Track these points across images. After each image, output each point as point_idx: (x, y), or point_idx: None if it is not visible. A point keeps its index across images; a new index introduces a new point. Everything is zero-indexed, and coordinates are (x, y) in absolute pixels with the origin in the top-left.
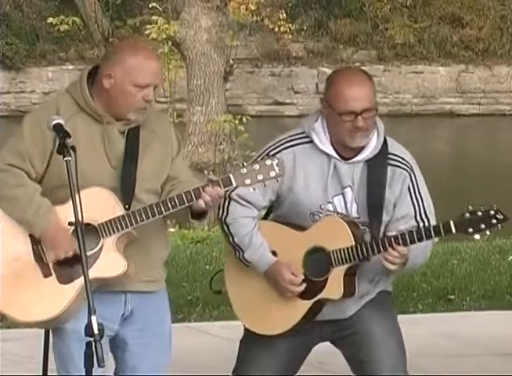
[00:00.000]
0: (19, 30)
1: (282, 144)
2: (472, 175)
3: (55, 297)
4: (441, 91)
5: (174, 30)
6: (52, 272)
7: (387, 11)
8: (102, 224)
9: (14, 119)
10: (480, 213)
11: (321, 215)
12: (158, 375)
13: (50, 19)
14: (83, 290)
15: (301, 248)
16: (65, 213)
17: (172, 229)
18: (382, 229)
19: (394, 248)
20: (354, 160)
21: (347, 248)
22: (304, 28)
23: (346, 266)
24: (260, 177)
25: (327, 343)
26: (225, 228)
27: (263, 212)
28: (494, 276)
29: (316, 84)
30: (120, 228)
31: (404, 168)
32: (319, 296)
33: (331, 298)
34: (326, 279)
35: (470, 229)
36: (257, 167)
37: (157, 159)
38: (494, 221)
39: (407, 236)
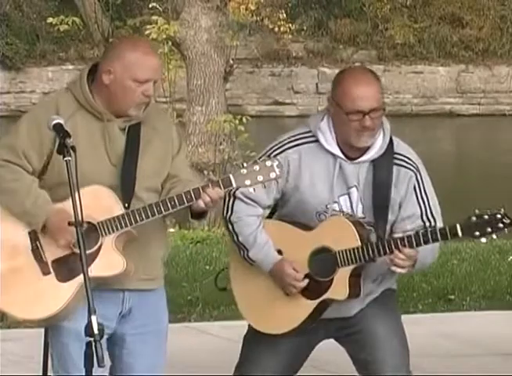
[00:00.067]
0: (19, 30)
1: (287, 143)
2: (472, 175)
3: (54, 295)
4: (441, 91)
5: (174, 31)
6: (51, 270)
7: (387, 11)
8: (101, 222)
9: (14, 119)
10: (486, 217)
11: (327, 214)
12: (156, 375)
13: (50, 19)
14: (82, 288)
15: (307, 248)
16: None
17: (172, 229)
18: (388, 228)
19: (400, 250)
20: (359, 160)
21: (354, 249)
22: (304, 28)
23: (352, 267)
24: (260, 178)
25: (327, 343)
26: (230, 226)
27: (268, 211)
28: (494, 276)
29: (316, 84)
30: (119, 227)
31: (409, 168)
32: (325, 296)
33: (336, 299)
34: (332, 279)
35: (477, 233)
36: (257, 168)
37: (158, 156)
38: (501, 225)
39: (413, 239)
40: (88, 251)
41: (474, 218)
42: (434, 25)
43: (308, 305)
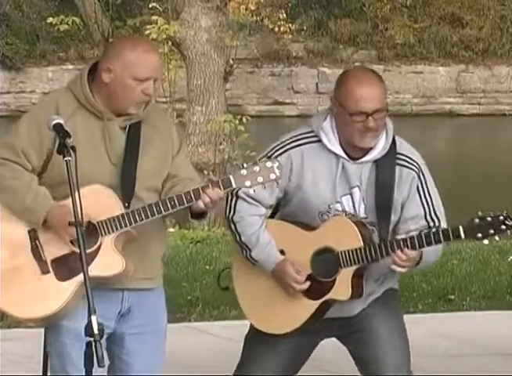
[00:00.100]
0: (19, 30)
1: (290, 143)
2: (472, 175)
3: (53, 294)
4: (441, 91)
5: (174, 31)
6: (50, 269)
7: (387, 11)
8: (101, 222)
9: (14, 119)
10: (489, 218)
11: (329, 214)
12: (156, 375)
13: (50, 19)
14: (81, 287)
15: (309, 248)
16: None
17: (172, 229)
18: (390, 229)
19: (402, 251)
20: (362, 160)
21: (356, 250)
22: (304, 28)
23: (354, 268)
24: (260, 179)
25: (328, 342)
26: (232, 226)
27: (270, 211)
28: (494, 276)
29: (316, 84)
30: (119, 227)
31: (412, 169)
32: (327, 297)
33: (339, 299)
34: (334, 280)
35: (479, 235)
36: (257, 169)
37: (158, 156)
38: (503, 227)
39: (416, 240)
40: (87, 251)
41: (476, 220)
42: (434, 25)
43: (311, 306)
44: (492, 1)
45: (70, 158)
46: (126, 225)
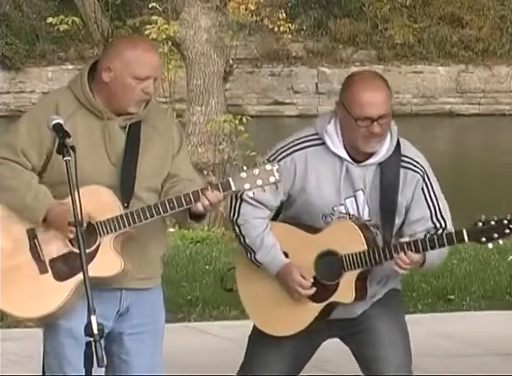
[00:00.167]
0: (19, 30)
1: (294, 145)
2: (472, 175)
3: (51, 294)
4: (440, 91)
5: (174, 31)
6: (49, 268)
7: (387, 11)
8: (100, 222)
9: (14, 119)
10: (493, 222)
11: (333, 216)
12: (156, 375)
13: (50, 19)
14: (78, 288)
15: (313, 251)
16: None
17: (172, 229)
18: (394, 231)
19: (406, 254)
20: (366, 163)
21: (360, 253)
22: (304, 28)
23: (358, 271)
24: (259, 182)
25: (328, 342)
26: (237, 229)
27: (272, 212)
28: (494, 276)
29: (316, 84)
30: (118, 227)
31: (416, 171)
32: (331, 299)
33: (343, 302)
34: (338, 283)
35: (483, 239)
36: (256, 171)
37: (158, 156)
38: (507, 230)
39: (419, 244)
40: (86, 251)
41: (480, 224)
42: (434, 25)
43: (314, 308)
44: (491, 1)
45: (69, 158)
46: (125, 226)
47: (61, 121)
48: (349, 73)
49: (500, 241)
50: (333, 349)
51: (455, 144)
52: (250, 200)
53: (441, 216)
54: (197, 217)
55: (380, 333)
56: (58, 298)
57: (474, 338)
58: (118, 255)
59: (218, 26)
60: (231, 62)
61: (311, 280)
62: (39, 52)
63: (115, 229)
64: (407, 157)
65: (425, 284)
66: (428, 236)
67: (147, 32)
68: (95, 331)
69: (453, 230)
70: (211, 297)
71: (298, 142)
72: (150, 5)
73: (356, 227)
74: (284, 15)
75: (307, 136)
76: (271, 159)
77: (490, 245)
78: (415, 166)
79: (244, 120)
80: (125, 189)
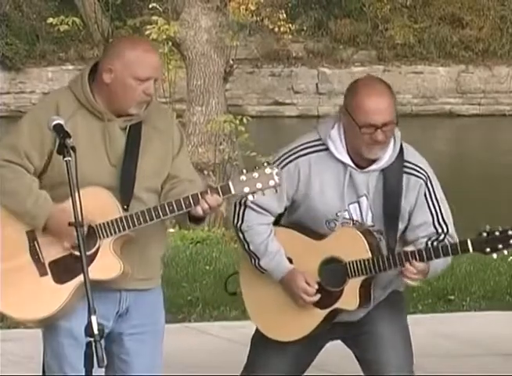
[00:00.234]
0: (19, 30)
1: (297, 151)
2: (472, 175)
3: (50, 296)
4: (441, 91)
5: (174, 31)
6: (48, 271)
7: (387, 11)
8: (99, 225)
9: (14, 119)
10: (498, 233)
11: (337, 222)
12: (156, 375)
13: (50, 20)
14: (78, 290)
15: (317, 257)
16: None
17: (172, 230)
18: (398, 236)
19: (411, 264)
20: (369, 168)
21: (364, 260)
22: (304, 28)
23: (362, 278)
24: (259, 185)
25: (329, 343)
26: (241, 235)
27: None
28: (494, 277)
29: (316, 84)
30: (117, 230)
31: (419, 177)
32: (335, 306)
33: (347, 309)
34: (342, 289)
35: (488, 249)
36: (256, 175)
37: (158, 157)
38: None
39: (424, 253)
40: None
41: (484, 234)
42: (434, 25)
43: (319, 314)
44: (492, 2)
45: (70, 158)
46: (124, 229)
47: (61, 122)
48: (349, 73)
49: (505, 252)
50: (332, 349)
51: (455, 144)
52: (254, 207)
53: (444, 221)
54: (196, 220)
55: (382, 336)
56: (57, 300)
57: (474, 338)
58: (118, 258)
59: (218, 26)
60: (231, 62)
61: (316, 287)
62: (39, 52)
63: (114, 232)
64: (410, 162)
65: (425, 284)
66: (432, 245)
67: (147, 32)
68: (96, 331)
69: (458, 240)
70: (211, 297)
71: (302, 147)
72: (150, 6)
73: (360, 234)
74: (284, 15)
75: (310, 142)
76: (275, 165)
77: (494, 255)
78: (418, 171)
79: (244, 120)
80: (125, 190)
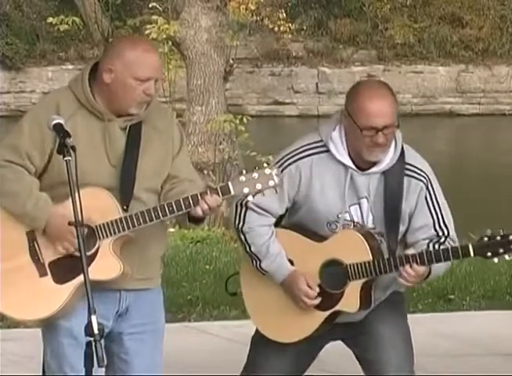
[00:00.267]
0: (19, 30)
1: (298, 153)
2: (472, 175)
3: (50, 297)
4: (440, 91)
5: (174, 30)
6: (48, 271)
7: (387, 11)
8: (99, 226)
9: (14, 119)
10: (499, 237)
11: (338, 224)
12: (157, 375)
13: (50, 19)
14: (78, 290)
15: (318, 259)
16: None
17: (172, 229)
18: (398, 239)
19: (411, 267)
20: (370, 171)
21: (365, 263)
22: (304, 28)
23: (363, 280)
24: (258, 186)
25: (329, 343)
26: (242, 237)
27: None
28: (494, 276)
29: (316, 83)
30: (117, 231)
31: (420, 179)
32: (335, 308)
33: (347, 311)
34: (343, 291)
35: (489, 253)
36: (255, 176)
37: (158, 157)
38: None
39: (425, 256)
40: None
41: (486, 239)
42: (434, 25)
43: (319, 316)
44: (492, 1)
45: (70, 158)
46: (124, 230)
47: (61, 121)
48: (349, 73)
49: (506, 256)
50: (332, 349)
51: (455, 144)
52: (256, 208)
53: (444, 224)
54: (196, 220)
55: (383, 336)
56: (57, 301)
57: (474, 337)
58: (117, 259)
59: (218, 26)
60: (231, 62)
61: (317, 290)
62: (39, 52)
63: (114, 233)
64: (411, 164)
65: (425, 284)
66: (434, 248)
67: (147, 32)
68: (96, 331)
69: (459, 245)
70: (211, 297)
71: (303, 149)
72: (150, 5)
73: (361, 237)
74: (284, 15)
75: (311, 143)
76: (275, 166)
77: (495, 260)
78: (418, 174)
79: (244, 120)
80: (125, 190)
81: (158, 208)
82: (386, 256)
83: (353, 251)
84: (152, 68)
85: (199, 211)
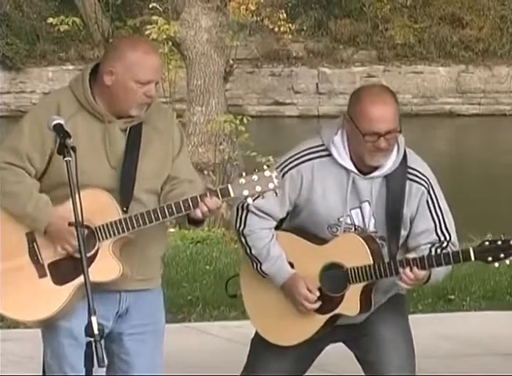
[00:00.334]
0: (20, 30)
1: (300, 157)
2: (472, 175)
3: (49, 298)
4: (441, 91)
5: (175, 31)
6: (47, 272)
7: (387, 11)
8: (99, 227)
9: (14, 119)
10: (500, 242)
11: (339, 227)
12: (157, 375)
13: (50, 20)
14: (78, 291)
15: (318, 263)
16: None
17: (172, 230)
18: (400, 243)
19: (412, 270)
20: (372, 175)
21: (365, 267)
22: (304, 28)
23: (363, 284)
24: (258, 188)
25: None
26: (243, 239)
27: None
28: (494, 277)
29: (316, 84)
30: (116, 232)
31: (422, 184)
32: (335, 311)
33: (347, 315)
34: (343, 295)
35: (490, 258)
36: (255, 178)
37: (158, 158)
38: None
39: (426, 260)
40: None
41: (487, 243)
42: (434, 25)
43: (319, 320)
44: (492, 1)
45: (70, 158)
46: (124, 231)
47: (62, 122)
48: (350, 73)
49: (507, 261)
50: (332, 349)
51: (455, 144)
52: (257, 211)
53: (446, 229)
54: (196, 222)
55: (384, 338)
56: (57, 302)
57: (474, 337)
58: (117, 260)
59: (218, 26)
60: (231, 62)
61: (317, 294)
62: (39, 52)
63: (114, 234)
64: (413, 168)
65: None
66: (435, 252)
67: (147, 32)
68: (96, 331)
69: (460, 249)
70: (212, 297)
71: (305, 153)
72: (151, 6)
73: (362, 240)
74: (284, 15)
75: (313, 147)
76: (278, 170)
77: (496, 264)
78: (420, 178)
79: (245, 120)
80: (125, 192)
81: (158, 210)
82: (386, 260)
83: (354, 254)
84: (153, 71)
85: (198, 213)
